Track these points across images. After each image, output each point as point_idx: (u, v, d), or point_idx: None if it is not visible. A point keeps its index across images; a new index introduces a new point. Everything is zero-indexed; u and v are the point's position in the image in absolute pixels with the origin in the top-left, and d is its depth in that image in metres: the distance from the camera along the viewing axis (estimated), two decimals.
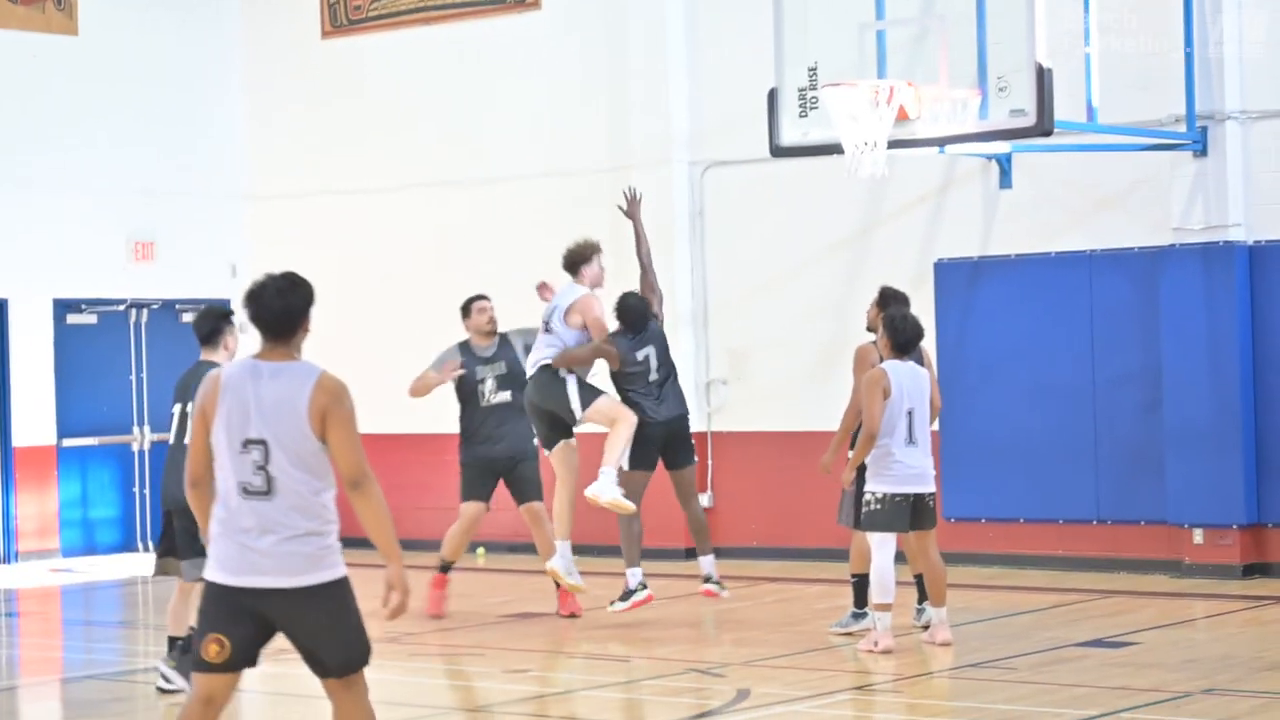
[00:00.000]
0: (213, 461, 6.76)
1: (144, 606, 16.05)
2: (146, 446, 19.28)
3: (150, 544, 19.03)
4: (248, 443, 6.66)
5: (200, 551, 8.60)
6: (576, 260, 13.16)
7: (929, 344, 13.14)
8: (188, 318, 19.23)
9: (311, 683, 6.95)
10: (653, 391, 12.99)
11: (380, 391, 18.29)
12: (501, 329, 13.89)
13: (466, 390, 13.75)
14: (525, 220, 18.15)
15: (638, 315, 13.05)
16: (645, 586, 13.01)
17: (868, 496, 11.56)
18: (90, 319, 19.04)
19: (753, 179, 16.96)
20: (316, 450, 6.67)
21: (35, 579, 17.39)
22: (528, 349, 13.54)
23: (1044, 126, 12.86)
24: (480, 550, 17.93)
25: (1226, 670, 10.71)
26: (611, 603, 13.06)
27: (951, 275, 16.06)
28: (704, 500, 16.49)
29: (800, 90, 13.65)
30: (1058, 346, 15.61)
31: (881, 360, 11.68)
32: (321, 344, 17.21)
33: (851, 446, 11.81)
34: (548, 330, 13.05)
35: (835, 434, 12.07)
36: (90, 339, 19.04)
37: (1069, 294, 15.56)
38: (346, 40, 19.45)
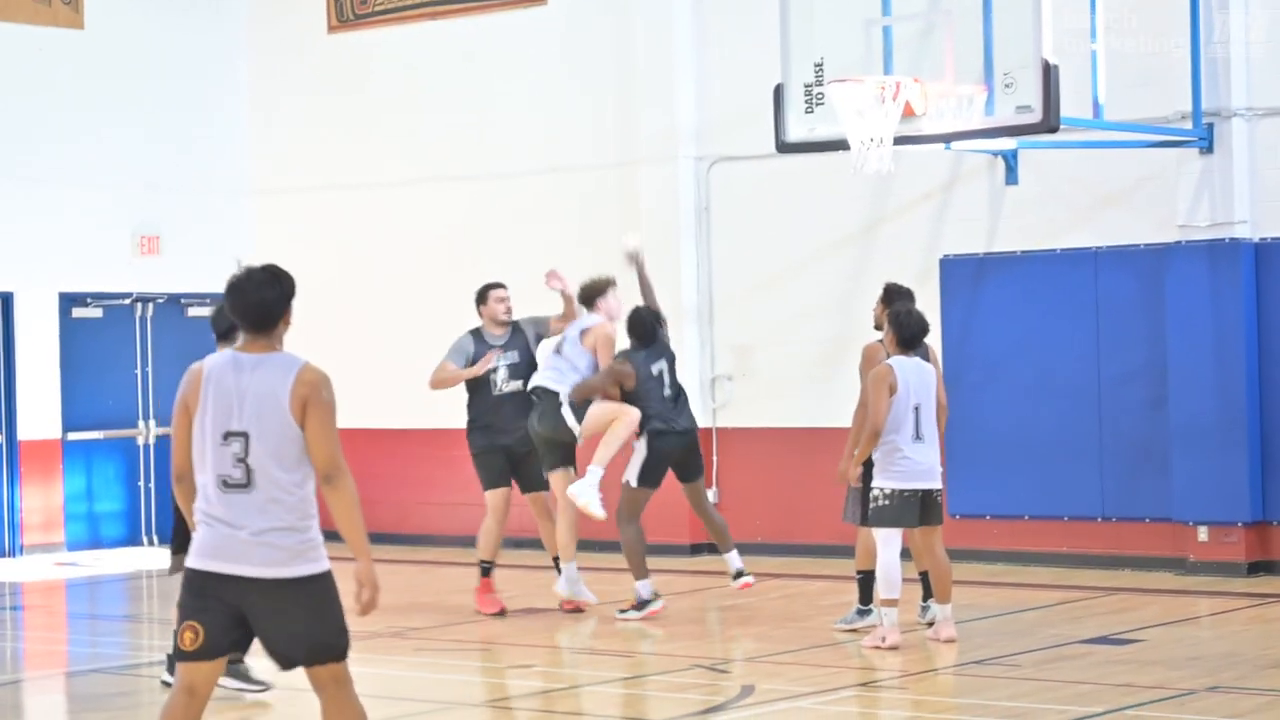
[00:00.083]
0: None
1: (149, 600, 16.05)
2: (152, 440, 19.28)
3: (155, 538, 19.05)
4: (229, 435, 6.66)
5: None
6: (592, 294, 13.39)
7: (934, 341, 13.13)
8: (193, 312, 19.25)
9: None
10: (668, 404, 13.19)
11: (383, 385, 18.37)
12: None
13: (478, 379, 13.74)
14: (531, 215, 18.13)
15: (648, 328, 13.26)
16: (659, 596, 13.16)
17: (875, 492, 11.54)
18: (95, 313, 19.03)
19: (759, 175, 16.94)
20: (298, 442, 6.66)
21: (40, 572, 17.39)
22: (539, 339, 13.60)
23: (1050, 123, 12.86)
24: None
25: (1231, 668, 10.70)
26: (622, 611, 13.12)
27: (957, 272, 16.05)
28: (709, 496, 16.46)
29: (806, 86, 13.65)
30: (1063, 343, 15.59)
31: (888, 356, 11.67)
32: (325, 338, 17.24)
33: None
34: (558, 353, 13.17)
35: (847, 439, 11.95)
36: (95, 333, 19.02)
37: (1074, 291, 15.54)
38: (352, 35, 19.43)
